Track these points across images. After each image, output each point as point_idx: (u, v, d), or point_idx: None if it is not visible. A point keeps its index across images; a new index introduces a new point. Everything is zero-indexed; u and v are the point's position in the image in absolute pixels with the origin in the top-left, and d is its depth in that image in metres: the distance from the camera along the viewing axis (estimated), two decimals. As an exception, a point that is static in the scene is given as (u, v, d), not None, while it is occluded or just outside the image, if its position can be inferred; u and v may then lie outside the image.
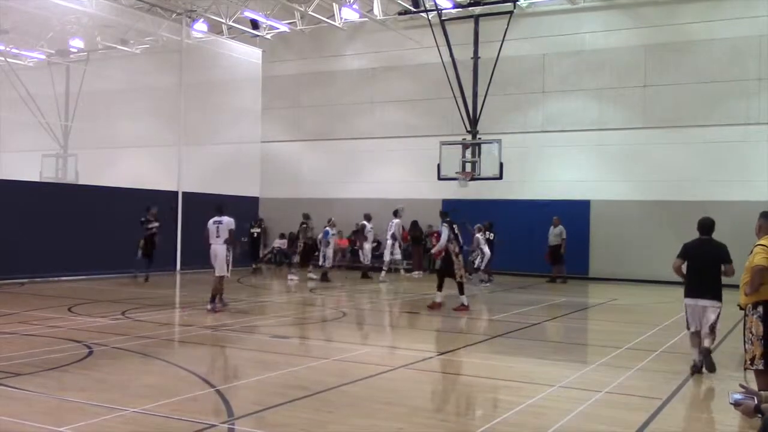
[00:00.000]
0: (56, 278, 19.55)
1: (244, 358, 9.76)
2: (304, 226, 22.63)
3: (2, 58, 28.38)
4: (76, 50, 29.19)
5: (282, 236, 28.88)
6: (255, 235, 24.35)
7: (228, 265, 14.18)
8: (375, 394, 7.71)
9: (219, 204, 14.46)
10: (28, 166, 28.14)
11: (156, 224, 20.25)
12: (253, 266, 24.06)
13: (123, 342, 10.34)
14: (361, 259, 23.18)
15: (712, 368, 8.90)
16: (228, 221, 14.08)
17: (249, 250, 23.67)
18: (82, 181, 26.80)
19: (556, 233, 22.56)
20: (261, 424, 6.50)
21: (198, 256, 24.28)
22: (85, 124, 28.00)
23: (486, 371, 9.11)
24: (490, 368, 9.31)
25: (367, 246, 22.85)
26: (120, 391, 7.52)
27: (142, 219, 20.05)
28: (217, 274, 14.14)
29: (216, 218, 14.15)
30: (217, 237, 14.05)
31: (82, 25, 26.67)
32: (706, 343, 8.92)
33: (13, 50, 29.16)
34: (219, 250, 14.09)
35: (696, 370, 8.92)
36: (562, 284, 21.97)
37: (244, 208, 26.82)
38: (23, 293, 16.56)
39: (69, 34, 27.48)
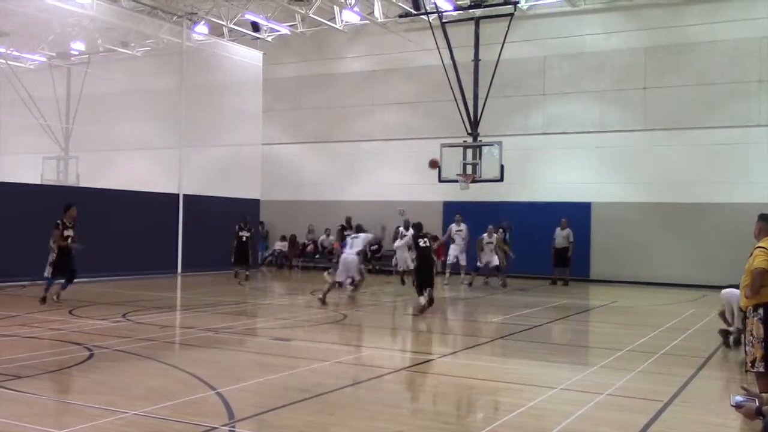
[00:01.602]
0: (57, 280, 19.51)
1: (244, 361, 9.75)
2: (341, 228, 22.54)
3: (3, 61, 28.41)
4: (77, 53, 29.23)
5: (283, 239, 28.92)
6: (243, 238, 21.25)
7: (361, 274, 17.43)
8: (376, 396, 7.70)
9: (348, 218, 19.20)
10: (29, 169, 28.17)
11: (247, 233, 21.42)
12: (236, 272, 21.72)
13: (124, 344, 10.33)
14: (394, 264, 22.30)
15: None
16: (365, 237, 17.13)
17: (236, 254, 21.29)
18: (83, 184, 26.82)
19: (564, 235, 22.42)
20: (262, 427, 6.50)
21: (200, 259, 24.51)
22: (86, 126, 28.00)
23: (487, 373, 9.11)
24: (491, 370, 9.30)
25: (405, 252, 20.00)
26: (121, 393, 7.51)
27: (237, 227, 21.38)
28: (337, 279, 16.68)
29: (354, 234, 17.31)
30: (351, 248, 16.59)
31: (83, 28, 26.70)
32: None
33: (14, 53, 29.18)
34: (350, 258, 16.50)
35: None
36: (563, 287, 21.95)
37: (245, 211, 26.87)
38: (24, 295, 16.55)
39: (70, 36, 27.51)
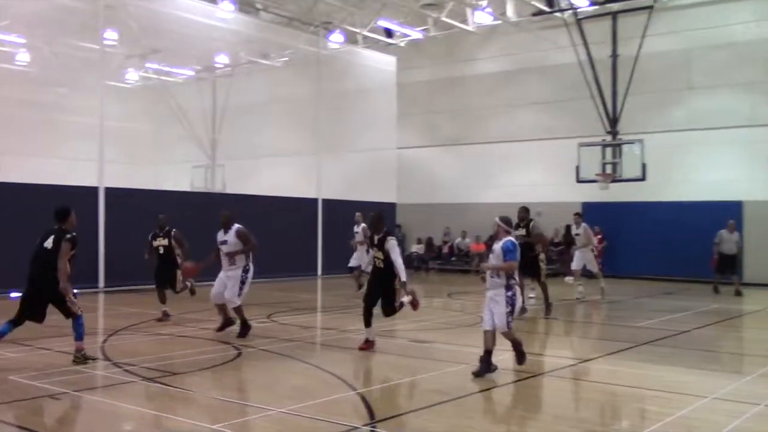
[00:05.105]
0: (206, 283, 20.55)
1: (384, 362, 9.88)
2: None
3: (156, 77, 30.27)
4: (221, 66, 30.66)
5: (419, 241, 29.13)
6: (161, 250, 13.70)
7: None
8: (516, 401, 7.61)
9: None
10: (181, 177, 29.90)
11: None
12: (187, 285, 14.03)
13: (269, 344, 10.74)
14: (574, 266, 18.73)
15: None
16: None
17: (155, 270, 13.90)
18: (229, 190, 28.11)
19: (734, 240, 19.90)
20: (402, 428, 6.57)
21: (339, 262, 25.03)
22: (230, 135, 29.40)
23: (632, 380, 8.77)
24: (636, 377, 8.95)
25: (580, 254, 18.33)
26: (267, 391, 7.81)
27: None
28: None
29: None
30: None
31: (226, 42, 27.98)
32: None
33: (166, 68, 31.01)
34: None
35: None
36: (736, 296, 19.28)
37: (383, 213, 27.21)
38: (177, 297, 17.49)
39: (215, 50, 28.88)
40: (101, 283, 18.80)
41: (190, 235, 18.76)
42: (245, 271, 11.65)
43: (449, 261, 28.12)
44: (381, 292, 10.19)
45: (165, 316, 13.34)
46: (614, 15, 22.38)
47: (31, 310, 8.96)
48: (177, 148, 31.59)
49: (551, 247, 21.77)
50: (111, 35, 23.53)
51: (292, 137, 27.80)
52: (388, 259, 10.00)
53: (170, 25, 23.70)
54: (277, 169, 28.68)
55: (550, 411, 7.23)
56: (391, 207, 27.96)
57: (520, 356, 8.92)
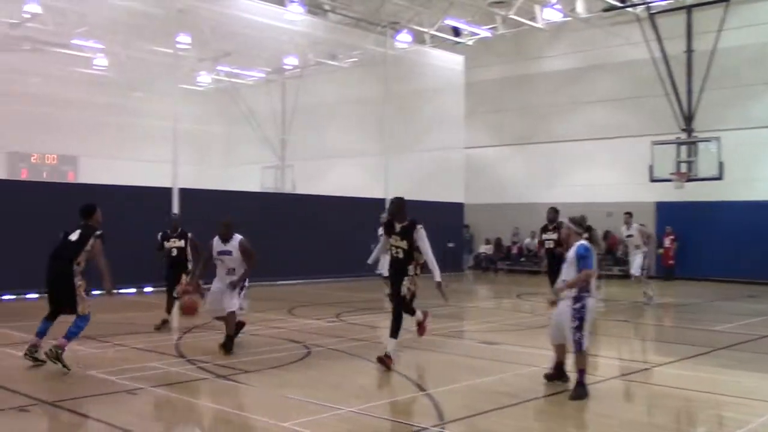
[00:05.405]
0: (275, 282, 20.89)
1: (452, 363, 9.84)
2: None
3: (227, 79, 30.90)
4: (290, 67, 31.09)
5: (487, 242, 28.94)
6: (173, 252, 12.41)
7: None
8: (586, 405, 7.47)
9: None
10: (251, 178, 30.46)
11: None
12: (175, 295, 12.16)
13: (337, 343, 10.83)
14: (633, 271, 17.57)
15: None
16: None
17: (165, 272, 12.64)
18: (298, 191, 28.48)
19: None
20: (471, 430, 6.53)
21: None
22: (299, 136, 29.79)
23: (709, 385, 8.50)
24: (713, 382, 8.68)
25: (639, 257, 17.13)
26: (336, 390, 7.88)
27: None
28: None
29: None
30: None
31: (295, 44, 28.36)
32: None
33: (236, 71, 31.62)
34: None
35: None
36: None
37: (449, 215, 27.20)
38: (250, 297, 17.81)
39: (283, 52, 29.31)
40: (174, 281, 19.27)
41: (260, 235, 19.01)
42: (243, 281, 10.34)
43: (518, 262, 27.84)
44: (400, 281, 9.08)
45: (163, 324, 12.03)
46: (689, 9, 21.77)
47: (57, 303, 8.82)
48: (247, 149, 32.24)
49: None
50: (184, 39, 24.14)
51: (359, 137, 27.99)
52: (410, 248, 9.04)
53: (240, 28, 24.17)
54: (345, 169, 28.93)
55: (622, 416, 7.07)
56: (458, 207, 27.86)
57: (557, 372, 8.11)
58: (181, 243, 12.19)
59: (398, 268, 9.20)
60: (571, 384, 7.78)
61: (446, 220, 26.92)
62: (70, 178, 28.65)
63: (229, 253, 10.12)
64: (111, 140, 28.39)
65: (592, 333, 7.78)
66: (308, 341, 10.93)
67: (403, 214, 9.25)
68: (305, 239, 21.86)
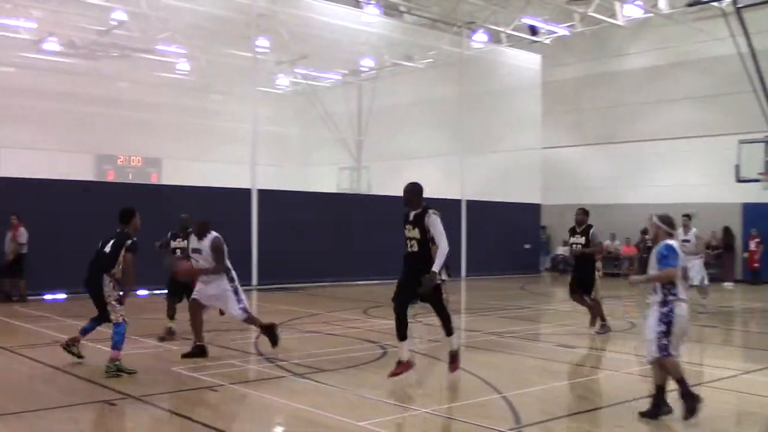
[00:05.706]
0: (351, 282, 21.07)
1: (529, 366, 9.73)
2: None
3: (305, 81, 31.35)
4: (366, 69, 31.31)
5: (565, 243, 28.44)
6: (179, 252, 11.28)
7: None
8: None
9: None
10: (327, 179, 30.81)
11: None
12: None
13: (414, 344, 10.81)
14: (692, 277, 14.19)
15: None
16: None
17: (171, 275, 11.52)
18: (374, 192, 28.66)
19: None
20: (548, 434, 6.44)
21: (483, 263, 24.97)
22: (375, 137, 29.96)
23: (799, 394, 8.15)
24: (804, 391, 8.31)
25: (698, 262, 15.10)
26: (413, 391, 7.88)
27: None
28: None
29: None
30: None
31: (371, 46, 28.55)
32: None
33: (314, 73, 32.03)
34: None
35: None
36: None
37: (525, 216, 26.90)
38: (322, 296, 18.02)
39: (360, 54, 29.55)
40: (254, 281, 19.66)
41: (336, 235, 19.34)
42: (231, 280, 9.70)
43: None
44: (416, 283, 8.03)
45: (169, 335, 11.13)
46: (779, 2, 20.90)
47: (97, 309, 8.85)
48: (324, 151, 32.63)
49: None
50: (263, 43, 24.61)
51: (435, 138, 27.96)
52: (423, 239, 8.17)
53: (318, 31, 24.49)
54: (420, 169, 28.84)
55: (708, 425, 6.84)
56: (535, 208, 27.50)
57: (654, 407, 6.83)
58: (185, 244, 10.91)
59: (413, 265, 8.15)
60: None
61: (523, 222, 26.64)
62: (154, 180, 29.55)
63: (199, 251, 9.64)
64: (192, 142, 29.16)
65: (682, 342, 6.92)
66: (384, 341, 10.97)
67: (419, 201, 8.47)
68: (381, 240, 21.93)
